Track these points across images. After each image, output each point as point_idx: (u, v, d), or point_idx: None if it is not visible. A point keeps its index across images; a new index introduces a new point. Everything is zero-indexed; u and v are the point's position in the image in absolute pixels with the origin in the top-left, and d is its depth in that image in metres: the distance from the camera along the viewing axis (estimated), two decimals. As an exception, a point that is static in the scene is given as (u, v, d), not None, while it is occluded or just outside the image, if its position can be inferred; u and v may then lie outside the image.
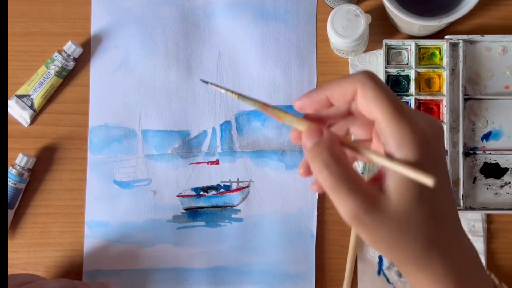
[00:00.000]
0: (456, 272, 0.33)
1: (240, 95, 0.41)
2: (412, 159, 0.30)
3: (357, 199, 0.30)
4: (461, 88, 0.53)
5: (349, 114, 0.35)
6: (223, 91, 0.42)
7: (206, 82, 0.44)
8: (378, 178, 0.32)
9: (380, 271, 0.55)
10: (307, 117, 0.34)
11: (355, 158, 0.36)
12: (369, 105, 0.31)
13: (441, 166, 0.33)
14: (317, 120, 0.34)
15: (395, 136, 0.30)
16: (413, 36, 0.56)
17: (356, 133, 0.35)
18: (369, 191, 0.31)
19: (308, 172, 0.34)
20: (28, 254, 0.57)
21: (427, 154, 0.30)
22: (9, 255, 0.57)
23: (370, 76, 0.31)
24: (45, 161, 0.58)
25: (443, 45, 0.53)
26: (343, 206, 0.30)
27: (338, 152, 0.31)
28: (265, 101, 0.37)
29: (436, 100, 0.53)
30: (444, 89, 0.53)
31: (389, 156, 0.31)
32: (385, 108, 0.30)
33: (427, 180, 0.29)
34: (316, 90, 0.33)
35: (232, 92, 0.42)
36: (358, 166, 0.55)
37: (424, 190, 0.31)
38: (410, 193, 0.31)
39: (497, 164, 0.54)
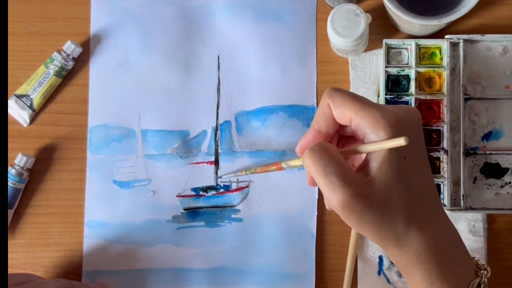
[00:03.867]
0: (435, 246, 0.35)
1: (247, 170, 0.54)
2: (387, 137, 0.33)
3: (346, 187, 0.33)
4: (461, 88, 0.53)
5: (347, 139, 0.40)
6: (232, 174, 0.56)
7: (220, 177, 0.57)
8: (364, 166, 0.35)
9: (380, 271, 0.55)
10: None
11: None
12: (341, 109, 0.35)
13: (417, 144, 0.36)
14: None
15: (369, 124, 0.34)
16: (414, 36, 0.56)
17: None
18: (357, 178, 0.33)
19: (313, 181, 0.37)
20: (27, 254, 0.57)
21: (402, 131, 0.33)
22: (8, 255, 0.57)
23: (334, 88, 0.36)
24: (44, 161, 0.58)
25: (443, 44, 0.53)
26: (334, 194, 0.33)
27: (329, 148, 0.34)
28: (265, 163, 0.52)
29: (437, 99, 0.53)
30: (445, 89, 0.53)
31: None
32: (354, 105, 0.34)
33: (400, 141, 0.32)
34: (307, 131, 0.38)
35: (241, 172, 0.55)
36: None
37: (402, 167, 0.34)
38: (390, 171, 0.34)
39: (497, 164, 0.54)
